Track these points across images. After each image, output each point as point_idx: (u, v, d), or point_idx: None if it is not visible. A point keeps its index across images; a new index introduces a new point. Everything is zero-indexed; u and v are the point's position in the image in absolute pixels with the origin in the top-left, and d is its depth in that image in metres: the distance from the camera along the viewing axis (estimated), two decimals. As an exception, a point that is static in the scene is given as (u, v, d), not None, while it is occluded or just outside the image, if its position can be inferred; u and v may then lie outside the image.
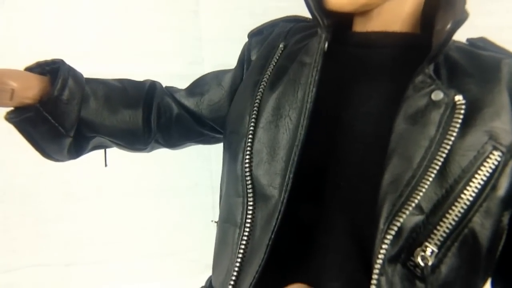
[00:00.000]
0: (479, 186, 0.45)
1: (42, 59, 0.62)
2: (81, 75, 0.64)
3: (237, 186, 0.54)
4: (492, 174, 0.45)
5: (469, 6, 0.52)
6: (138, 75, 1.10)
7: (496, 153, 0.45)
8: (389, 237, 0.43)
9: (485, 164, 0.45)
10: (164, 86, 0.74)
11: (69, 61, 1.15)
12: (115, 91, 0.66)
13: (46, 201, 1.05)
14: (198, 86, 0.71)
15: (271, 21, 0.67)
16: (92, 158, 1.11)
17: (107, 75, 1.09)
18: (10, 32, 1.04)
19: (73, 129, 0.60)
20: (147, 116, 0.67)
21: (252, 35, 0.68)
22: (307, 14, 0.57)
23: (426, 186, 0.44)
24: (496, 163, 0.45)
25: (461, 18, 0.48)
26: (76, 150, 0.63)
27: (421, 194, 0.44)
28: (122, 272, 1.09)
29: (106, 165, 0.71)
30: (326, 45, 0.53)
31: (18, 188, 1.05)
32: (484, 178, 0.45)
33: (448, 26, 0.48)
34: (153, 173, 1.07)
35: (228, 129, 0.61)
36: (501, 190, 0.46)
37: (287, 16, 0.67)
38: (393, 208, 0.44)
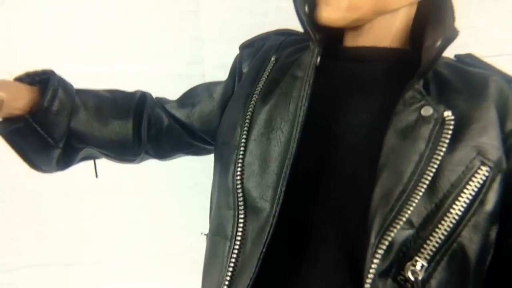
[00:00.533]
0: (467, 201, 0.46)
1: (32, 70, 0.60)
2: (71, 86, 0.63)
3: (228, 198, 0.54)
4: (480, 189, 0.46)
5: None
6: (138, 75, 1.10)
7: (484, 168, 0.46)
8: (380, 251, 0.44)
9: (473, 179, 0.46)
10: (154, 97, 0.73)
11: (69, 61, 1.15)
12: (105, 102, 0.65)
13: (46, 201, 1.05)
14: (189, 98, 0.71)
15: (262, 33, 0.68)
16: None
17: (107, 75, 1.09)
18: (10, 32, 1.04)
19: (62, 140, 0.59)
20: (137, 127, 0.66)
21: (244, 47, 0.68)
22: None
23: (416, 201, 0.45)
24: (484, 178, 0.46)
25: (451, 36, 0.49)
26: (65, 161, 0.62)
27: (411, 208, 0.44)
28: (122, 272, 1.09)
29: (96, 176, 0.70)
30: (318, 59, 0.53)
31: (18, 188, 1.05)
32: (473, 193, 0.46)
33: (438, 43, 0.48)
34: (153, 173, 1.07)
35: (220, 140, 0.61)
36: (489, 205, 0.47)
37: (278, 30, 0.67)
38: (384, 223, 0.44)
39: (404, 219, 0.44)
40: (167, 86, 1.10)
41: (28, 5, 1.04)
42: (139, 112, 0.67)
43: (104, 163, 0.77)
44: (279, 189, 0.48)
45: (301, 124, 0.50)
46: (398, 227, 0.44)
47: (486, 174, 0.46)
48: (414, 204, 0.44)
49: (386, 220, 0.44)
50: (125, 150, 0.66)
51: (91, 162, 1.15)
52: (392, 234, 0.44)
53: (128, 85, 1.10)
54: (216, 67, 1.06)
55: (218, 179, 0.60)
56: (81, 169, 1.09)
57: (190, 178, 1.09)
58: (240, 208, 0.51)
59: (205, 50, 1.07)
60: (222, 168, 0.58)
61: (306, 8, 0.54)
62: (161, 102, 0.71)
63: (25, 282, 1.07)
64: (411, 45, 0.57)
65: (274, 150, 0.51)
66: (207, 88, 0.70)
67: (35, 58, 1.07)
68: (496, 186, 0.47)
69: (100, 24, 1.06)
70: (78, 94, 0.62)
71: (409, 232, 0.45)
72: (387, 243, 0.44)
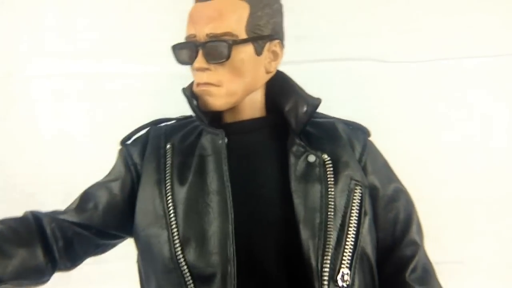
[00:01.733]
0: (357, 214, 0.61)
1: None
2: None
3: (170, 278, 0.58)
4: (361, 204, 0.62)
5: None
6: (139, 75, 1.10)
7: (358, 188, 0.63)
8: (325, 274, 0.56)
9: (355, 197, 0.62)
10: (46, 212, 0.73)
11: (69, 61, 1.15)
12: (4, 235, 0.65)
13: (46, 201, 1.05)
14: (87, 201, 0.72)
15: (139, 126, 0.75)
16: (91, 159, 1.11)
17: (107, 75, 1.09)
18: (10, 32, 1.04)
19: None
20: (45, 245, 0.66)
21: (125, 141, 0.74)
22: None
23: (331, 226, 0.58)
24: (360, 195, 0.63)
25: (316, 103, 0.66)
26: None
27: (330, 233, 0.58)
28: (122, 272, 1.09)
29: None
30: (226, 140, 0.64)
31: (18, 188, 1.05)
32: (358, 208, 0.62)
33: (305, 109, 0.65)
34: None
35: (141, 230, 0.65)
36: (369, 214, 0.64)
37: (153, 120, 0.76)
38: (318, 251, 0.57)
39: (330, 242, 0.57)
40: (167, 86, 1.10)
41: (28, 5, 1.04)
42: (41, 231, 0.67)
43: (106, 156, 0.76)
44: (228, 251, 0.56)
45: (230, 193, 0.59)
46: (330, 250, 0.57)
47: (360, 191, 0.63)
48: (330, 229, 0.58)
49: (319, 249, 0.57)
50: (40, 273, 0.67)
51: (91, 163, 1.14)
52: (328, 256, 0.57)
53: (129, 85, 1.10)
54: (216, 67, 1.05)
55: (152, 265, 0.63)
56: (81, 169, 1.09)
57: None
58: (188, 283, 0.57)
59: (205, 50, 1.07)
60: (154, 253, 0.62)
61: (195, 102, 0.66)
62: (57, 215, 0.72)
63: (25, 282, 1.06)
64: (267, 112, 0.71)
65: (207, 220, 0.59)
66: (102, 187, 0.73)
67: (35, 58, 1.07)
68: (367, 198, 0.65)
69: (100, 24, 1.06)
70: None
71: (334, 251, 0.58)
72: (328, 265, 0.56)
